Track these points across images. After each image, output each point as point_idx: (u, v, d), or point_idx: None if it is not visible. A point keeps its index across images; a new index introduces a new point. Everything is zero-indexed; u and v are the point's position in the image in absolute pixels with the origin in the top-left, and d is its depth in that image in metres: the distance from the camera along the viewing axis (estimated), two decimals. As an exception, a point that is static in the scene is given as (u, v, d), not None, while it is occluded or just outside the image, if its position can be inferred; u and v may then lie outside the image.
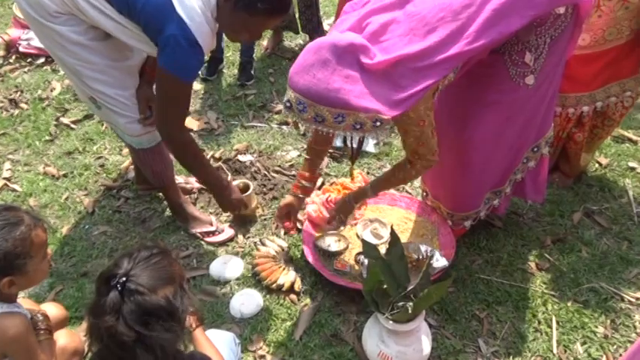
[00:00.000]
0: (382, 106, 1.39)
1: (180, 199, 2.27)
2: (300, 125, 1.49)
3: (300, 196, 2.02)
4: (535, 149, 1.94)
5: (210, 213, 2.36)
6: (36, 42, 3.54)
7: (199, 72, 3.31)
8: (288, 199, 2.02)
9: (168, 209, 2.37)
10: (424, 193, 2.22)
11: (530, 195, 2.08)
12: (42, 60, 3.51)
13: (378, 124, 1.40)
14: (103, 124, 2.93)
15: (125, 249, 2.20)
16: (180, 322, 1.14)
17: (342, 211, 1.96)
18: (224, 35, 3.42)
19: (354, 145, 1.73)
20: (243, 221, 2.31)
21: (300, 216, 2.30)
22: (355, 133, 1.42)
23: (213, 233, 2.24)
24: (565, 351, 1.81)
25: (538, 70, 1.65)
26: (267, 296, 2.00)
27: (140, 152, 2.07)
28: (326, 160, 2.65)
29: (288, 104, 1.46)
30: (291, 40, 3.69)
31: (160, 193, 2.41)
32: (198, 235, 2.24)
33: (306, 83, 1.38)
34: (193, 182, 2.48)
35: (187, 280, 1.24)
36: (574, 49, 1.76)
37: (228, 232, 2.25)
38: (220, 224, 2.29)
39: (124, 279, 1.08)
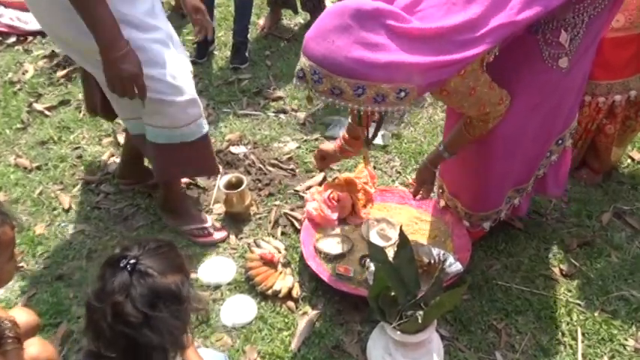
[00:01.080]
0: (410, 74, 1.37)
1: (180, 190, 2.29)
2: (313, 99, 1.47)
3: (341, 156, 2.12)
4: (559, 142, 1.95)
5: (199, 211, 2.37)
6: (6, 19, 3.54)
7: (188, 54, 3.33)
8: (330, 147, 2.08)
9: (152, 206, 2.38)
10: (439, 190, 2.22)
11: (550, 189, 2.09)
12: (13, 39, 3.51)
13: (403, 94, 1.38)
14: (80, 111, 2.93)
15: (105, 250, 2.21)
16: (187, 312, 1.21)
17: (425, 180, 1.95)
18: (215, 13, 3.42)
19: (373, 123, 1.73)
20: (235, 220, 2.32)
21: (298, 215, 2.31)
22: (376, 107, 1.40)
23: (206, 232, 2.24)
24: (591, 366, 1.82)
25: (573, 53, 1.65)
26: (262, 303, 2.00)
27: (165, 147, 1.99)
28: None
29: (300, 74, 1.45)
30: (290, 19, 3.69)
31: (143, 189, 2.42)
32: (190, 233, 2.24)
33: (322, 51, 1.36)
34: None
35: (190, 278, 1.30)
36: (608, 29, 1.76)
37: (222, 233, 2.26)
38: (216, 223, 2.29)
39: (134, 261, 1.15)
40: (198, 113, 1.99)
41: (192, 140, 2.00)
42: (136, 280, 1.14)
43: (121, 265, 1.15)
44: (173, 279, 1.18)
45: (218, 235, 2.25)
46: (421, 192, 2.04)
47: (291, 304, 1.99)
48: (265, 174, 2.56)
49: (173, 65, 1.86)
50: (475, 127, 1.72)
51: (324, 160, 2.17)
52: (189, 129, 1.97)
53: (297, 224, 2.28)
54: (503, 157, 1.85)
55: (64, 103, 3.01)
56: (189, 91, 1.93)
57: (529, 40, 1.65)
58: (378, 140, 2.70)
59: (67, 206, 2.40)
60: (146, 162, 2.42)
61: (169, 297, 1.16)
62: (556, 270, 2.10)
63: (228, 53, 3.36)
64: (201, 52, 3.31)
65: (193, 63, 3.26)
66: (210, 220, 2.27)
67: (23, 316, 1.64)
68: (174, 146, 1.99)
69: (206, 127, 2.04)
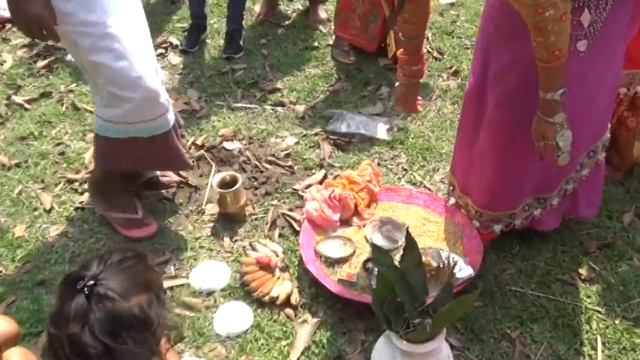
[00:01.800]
0: None
1: (109, 172, 2.20)
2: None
3: (413, 80, 2.00)
4: (591, 154, 1.95)
5: (191, 211, 2.37)
6: (-18, 5, 3.53)
7: (178, 43, 3.32)
8: (399, 85, 2.02)
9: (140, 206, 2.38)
10: (450, 187, 2.22)
11: (582, 209, 2.09)
12: (-11, 27, 3.51)
13: None
14: (63, 104, 2.93)
15: (90, 253, 2.20)
16: (154, 336, 1.15)
17: (544, 134, 1.69)
18: (207, -2, 3.41)
19: None
20: (229, 221, 2.32)
21: (297, 216, 2.31)
22: None
23: (134, 224, 2.22)
24: (612, 377, 1.82)
25: (593, 37, 1.65)
26: (258, 311, 2.00)
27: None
28: (329, 148, 2.65)
29: None
30: (287, 5, 3.68)
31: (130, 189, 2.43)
32: (117, 222, 2.23)
33: None
34: (172, 175, 2.48)
35: (165, 291, 1.26)
36: (636, 28, 1.76)
37: (152, 228, 2.25)
38: (148, 216, 2.26)
39: (92, 282, 1.10)
40: (163, 109, 1.99)
41: (150, 136, 2.01)
42: (95, 304, 1.08)
43: (78, 287, 1.10)
44: (137, 300, 1.12)
45: (149, 231, 2.23)
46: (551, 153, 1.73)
47: (289, 311, 1.99)
48: (261, 172, 2.56)
49: (133, 56, 1.87)
50: (538, 47, 1.57)
51: (405, 98, 2.05)
52: (149, 125, 1.99)
53: (295, 225, 2.28)
54: (521, 148, 1.83)
55: (45, 95, 3.01)
56: (151, 86, 1.92)
57: None
58: (383, 135, 2.70)
59: (48, 206, 2.39)
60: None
61: (133, 323, 1.11)
62: (574, 274, 2.10)
63: (222, 42, 3.36)
64: (192, 41, 3.30)
65: (184, 52, 3.27)
66: (141, 212, 2.25)
67: (2, 324, 1.64)
68: (125, 140, 2.01)
69: (171, 123, 2.05)
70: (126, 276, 1.15)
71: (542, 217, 2.06)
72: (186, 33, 3.35)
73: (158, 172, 2.46)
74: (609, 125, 1.96)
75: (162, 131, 2.03)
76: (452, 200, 2.22)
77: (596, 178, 2.04)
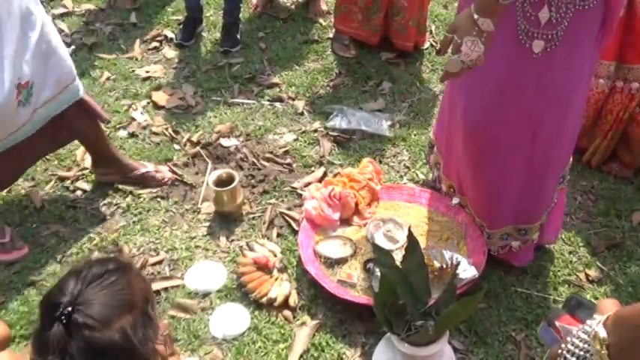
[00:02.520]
0: None
1: None
2: None
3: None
4: (560, 179, 1.96)
5: (186, 210, 2.37)
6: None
7: (173, 36, 3.32)
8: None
9: (134, 205, 2.38)
10: (450, 189, 2.22)
11: (547, 235, 2.08)
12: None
13: None
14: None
15: (82, 253, 2.21)
16: (142, 357, 1.13)
17: (459, 29, 1.54)
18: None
19: None
20: (226, 220, 2.32)
21: (296, 215, 2.31)
22: None
23: (2, 248, 2.19)
24: (620, 382, 1.82)
25: (551, 40, 1.62)
26: (256, 312, 2.01)
27: None
28: (329, 145, 2.65)
29: None
30: (286, -3, 3.68)
31: (122, 184, 2.43)
32: None
33: None
34: (165, 172, 2.49)
35: (152, 303, 1.20)
36: (606, 41, 1.73)
37: (22, 252, 2.20)
38: (19, 240, 2.24)
39: (70, 309, 1.06)
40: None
41: None
42: (74, 333, 1.05)
43: (56, 314, 1.06)
44: (120, 325, 1.08)
45: (17, 255, 2.20)
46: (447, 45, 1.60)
47: (287, 313, 2.00)
48: (259, 169, 2.56)
49: None
50: None
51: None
52: None
53: (294, 225, 2.28)
54: (491, 162, 1.86)
55: (36, 90, 3.00)
56: None
57: (508, 8, 1.64)
58: (385, 131, 2.70)
59: (39, 205, 2.40)
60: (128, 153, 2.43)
61: (116, 351, 1.07)
62: (582, 275, 2.11)
63: (218, 35, 3.35)
64: (188, 34, 3.30)
65: (179, 46, 3.27)
66: (9, 236, 2.21)
67: (-9, 327, 1.65)
68: None
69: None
70: (106, 297, 1.10)
71: (528, 253, 2.05)
72: (181, 26, 3.35)
73: (151, 168, 2.47)
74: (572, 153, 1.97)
75: None
76: (455, 200, 2.22)
77: (560, 202, 2.05)
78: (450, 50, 1.55)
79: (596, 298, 2.03)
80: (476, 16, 1.47)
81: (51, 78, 2.04)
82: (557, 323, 0.98)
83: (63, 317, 1.06)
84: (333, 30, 3.28)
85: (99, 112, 2.29)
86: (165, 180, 2.48)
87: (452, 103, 1.95)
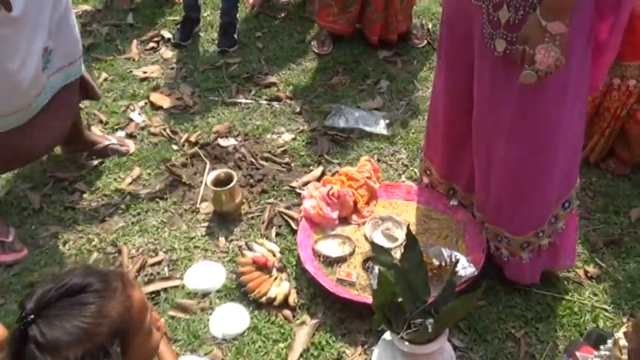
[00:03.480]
0: None
1: None
2: None
3: None
4: (566, 204, 1.87)
5: (185, 210, 2.37)
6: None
7: (170, 36, 3.32)
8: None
9: (133, 206, 2.38)
10: (450, 191, 2.21)
11: (563, 261, 2.01)
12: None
13: None
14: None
15: (81, 254, 2.21)
16: None
17: (530, 39, 1.50)
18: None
19: None
20: (224, 220, 2.32)
21: (295, 214, 2.31)
22: None
23: (2, 249, 2.20)
24: (620, 378, 1.82)
25: (513, 42, 1.57)
26: (255, 312, 2.01)
27: None
28: (327, 144, 2.65)
29: None
30: (283, -4, 3.68)
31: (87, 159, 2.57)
32: None
33: None
34: (130, 144, 2.61)
35: (126, 335, 1.10)
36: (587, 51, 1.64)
37: (21, 254, 2.21)
38: (19, 243, 2.22)
39: (31, 317, 1.02)
40: None
41: None
42: (27, 345, 1.01)
43: (20, 317, 1.04)
44: (65, 354, 1.00)
45: (13, 258, 2.19)
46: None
47: (287, 312, 2.00)
48: (257, 169, 2.56)
49: None
50: None
51: None
52: None
53: (293, 224, 2.28)
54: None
55: (33, 92, 3.00)
56: None
57: (475, 9, 1.63)
58: (382, 130, 2.70)
59: (37, 206, 2.40)
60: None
61: None
62: (580, 272, 2.11)
63: (215, 35, 3.35)
64: (185, 34, 3.30)
65: (177, 46, 3.26)
66: (12, 236, 2.22)
67: (-10, 329, 1.64)
68: None
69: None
70: (68, 320, 1.03)
71: (516, 270, 1.98)
72: (178, 26, 3.34)
73: (114, 140, 2.60)
74: (578, 174, 1.89)
75: None
76: (453, 201, 2.22)
77: (571, 227, 1.97)
78: (526, 67, 1.52)
79: (595, 295, 2.03)
80: (544, 23, 1.45)
81: (63, 49, 2.16)
82: (577, 353, 0.98)
83: (22, 323, 1.03)
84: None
85: (95, 89, 2.48)
86: (130, 152, 2.59)
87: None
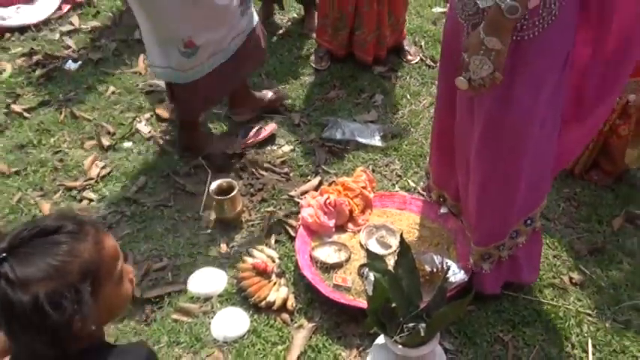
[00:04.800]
0: None
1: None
2: None
3: None
4: (528, 222, 1.86)
5: (188, 218, 2.37)
6: (-20, 16, 3.55)
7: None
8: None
9: (138, 213, 2.38)
10: (440, 198, 2.22)
11: (525, 276, 2.00)
12: (-12, 37, 3.51)
13: None
14: (61, 113, 2.93)
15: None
16: (58, 334, 1.01)
17: (468, 48, 1.52)
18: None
19: None
20: (226, 228, 2.32)
21: (293, 222, 2.31)
22: None
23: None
24: (603, 380, 1.83)
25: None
26: (255, 316, 2.01)
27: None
28: (324, 155, 2.66)
29: None
30: (282, 15, 3.69)
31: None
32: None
33: None
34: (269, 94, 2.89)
35: (96, 279, 1.05)
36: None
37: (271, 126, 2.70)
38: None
39: (4, 255, 0.99)
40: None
41: None
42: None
43: None
44: (36, 289, 0.97)
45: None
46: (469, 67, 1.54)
47: (285, 316, 2.00)
48: (258, 178, 2.56)
49: None
50: None
51: None
52: None
53: (291, 232, 2.28)
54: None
55: (44, 104, 3.01)
56: None
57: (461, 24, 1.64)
58: (377, 142, 2.71)
59: (47, 213, 2.39)
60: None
61: (24, 312, 0.97)
62: (565, 278, 2.11)
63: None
64: None
65: None
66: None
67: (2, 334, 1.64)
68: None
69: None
70: (40, 257, 1.00)
71: (479, 279, 1.96)
72: None
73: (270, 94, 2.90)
74: (546, 194, 1.88)
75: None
76: (443, 209, 2.22)
77: (535, 243, 1.96)
78: (463, 73, 1.53)
79: (579, 300, 2.04)
80: (482, 35, 1.45)
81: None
82: None
83: None
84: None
85: (264, 44, 2.64)
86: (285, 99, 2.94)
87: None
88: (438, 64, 3.18)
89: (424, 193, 2.40)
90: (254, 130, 2.71)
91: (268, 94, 2.88)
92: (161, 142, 2.75)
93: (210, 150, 2.62)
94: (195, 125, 2.64)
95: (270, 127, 2.73)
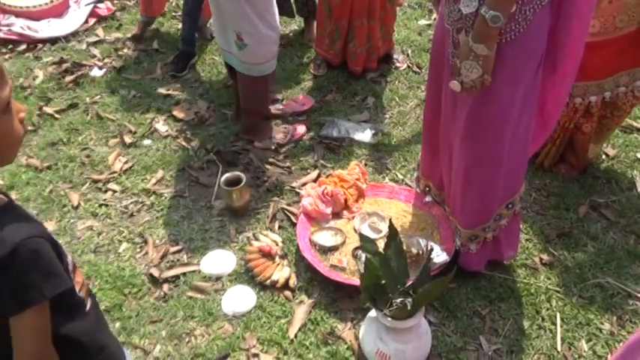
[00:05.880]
0: None
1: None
2: None
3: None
4: (510, 206, 1.86)
5: (202, 207, 2.36)
6: (17, 28, 3.52)
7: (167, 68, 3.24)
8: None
9: (157, 202, 2.37)
10: (426, 188, 2.21)
11: (506, 253, 1.99)
12: (24, 46, 3.49)
13: None
14: (88, 114, 2.91)
15: (112, 244, 2.20)
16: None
17: (459, 54, 1.53)
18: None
19: None
20: (235, 215, 2.31)
21: (295, 210, 2.30)
22: None
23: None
24: (569, 348, 1.82)
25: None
26: (261, 293, 2.00)
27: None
28: (322, 151, 2.65)
29: None
30: (285, 26, 3.67)
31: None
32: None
33: None
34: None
35: None
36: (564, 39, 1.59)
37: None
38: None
39: None
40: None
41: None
42: None
43: None
44: None
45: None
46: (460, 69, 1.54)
47: (288, 293, 1.99)
48: (263, 172, 2.55)
49: None
50: None
51: None
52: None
53: (293, 218, 2.27)
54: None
55: (73, 106, 2.99)
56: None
57: (447, 30, 1.63)
58: (368, 139, 2.70)
59: (75, 204, 2.39)
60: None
61: None
62: (536, 259, 2.11)
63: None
64: (181, 67, 3.20)
65: (173, 77, 3.19)
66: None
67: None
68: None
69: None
70: None
71: (466, 258, 1.96)
72: (173, 59, 3.25)
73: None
74: (523, 181, 1.87)
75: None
76: (428, 198, 2.22)
77: (514, 225, 1.95)
78: (456, 77, 1.55)
79: (549, 279, 2.03)
80: (471, 43, 1.47)
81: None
82: None
83: None
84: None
85: None
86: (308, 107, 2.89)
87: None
88: (424, 69, 3.19)
89: (412, 184, 2.40)
90: (289, 129, 2.70)
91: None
92: (177, 140, 2.74)
93: (263, 141, 2.66)
94: (262, 115, 2.66)
95: (302, 129, 2.72)
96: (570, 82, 1.69)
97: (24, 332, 0.96)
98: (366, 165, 2.55)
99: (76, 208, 2.38)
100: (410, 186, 2.41)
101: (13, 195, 2.43)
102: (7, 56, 3.42)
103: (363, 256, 1.92)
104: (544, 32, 1.53)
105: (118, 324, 1.91)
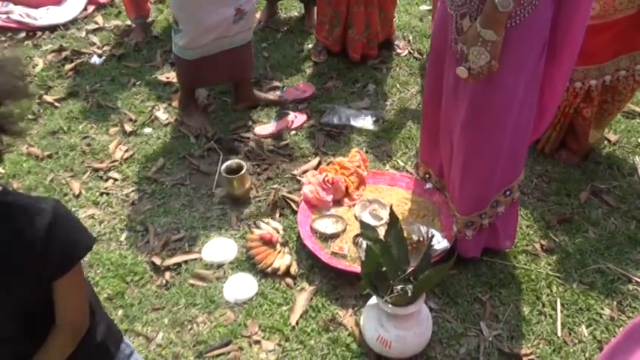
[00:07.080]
0: None
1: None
2: None
3: None
4: (507, 192, 1.84)
5: (203, 195, 2.35)
6: (16, 15, 3.49)
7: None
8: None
9: (158, 191, 2.37)
10: (426, 175, 2.21)
11: (502, 242, 1.98)
12: (23, 34, 3.46)
13: None
14: (88, 102, 2.90)
15: (114, 232, 2.20)
16: None
17: (467, 40, 1.52)
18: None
19: None
20: (236, 203, 2.31)
21: (295, 197, 2.30)
22: None
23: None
24: (570, 334, 1.83)
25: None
26: (262, 280, 2.01)
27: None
28: (323, 138, 2.64)
29: None
30: (285, 13, 3.64)
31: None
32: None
33: None
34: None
35: None
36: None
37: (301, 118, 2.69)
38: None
39: None
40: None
41: None
42: None
43: None
44: None
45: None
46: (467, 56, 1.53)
47: (289, 280, 2.00)
48: (264, 159, 2.54)
49: None
50: None
51: None
52: None
53: (294, 206, 2.27)
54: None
55: (73, 94, 2.98)
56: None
57: (450, 15, 1.61)
58: (369, 125, 2.69)
59: (77, 192, 2.38)
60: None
61: None
62: (537, 245, 2.11)
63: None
64: None
65: (174, 65, 3.15)
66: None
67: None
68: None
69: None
70: None
71: (462, 245, 1.95)
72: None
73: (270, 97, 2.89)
74: (523, 168, 1.85)
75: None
76: (428, 185, 2.21)
77: (512, 213, 1.94)
78: (463, 63, 1.53)
79: (549, 265, 2.03)
80: (479, 29, 1.45)
81: (251, 18, 2.51)
82: None
83: None
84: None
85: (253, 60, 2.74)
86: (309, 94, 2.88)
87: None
88: (426, 55, 3.16)
89: (412, 171, 2.39)
90: (289, 117, 2.71)
91: (269, 96, 2.84)
92: (177, 128, 2.73)
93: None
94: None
95: (302, 117, 2.73)
96: (569, 71, 1.68)
97: (70, 289, 1.05)
98: (366, 152, 2.54)
99: (77, 196, 2.37)
100: (411, 173, 2.41)
101: (15, 184, 2.43)
102: (6, 44, 3.40)
103: (364, 244, 1.91)
104: (548, 18, 1.52)
105: (120, 312, 1.91)
